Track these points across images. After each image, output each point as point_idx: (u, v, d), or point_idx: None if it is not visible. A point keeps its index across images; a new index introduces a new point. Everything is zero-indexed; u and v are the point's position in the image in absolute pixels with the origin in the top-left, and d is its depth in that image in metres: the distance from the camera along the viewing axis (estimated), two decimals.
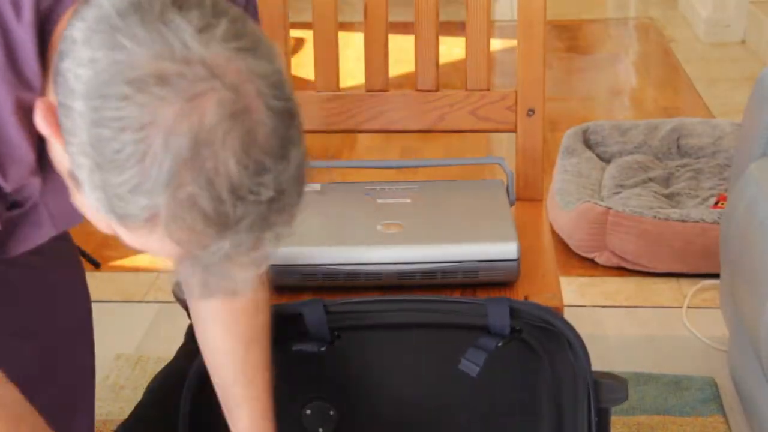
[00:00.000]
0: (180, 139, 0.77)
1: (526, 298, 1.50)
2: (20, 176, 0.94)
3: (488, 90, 1.85)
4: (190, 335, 1.72)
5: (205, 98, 0.77)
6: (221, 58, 0.78)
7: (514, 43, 1.89)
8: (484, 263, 1.52)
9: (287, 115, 0.81)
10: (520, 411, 1.43)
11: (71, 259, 1.40)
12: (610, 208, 2.60)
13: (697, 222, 2.54)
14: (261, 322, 1.28)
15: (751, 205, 1.79)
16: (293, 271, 1.52)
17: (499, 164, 1.78)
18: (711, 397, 2.08)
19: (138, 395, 1.73)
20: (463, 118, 1.86)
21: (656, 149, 3.04)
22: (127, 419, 1.57)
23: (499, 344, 1.34)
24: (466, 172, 2.80)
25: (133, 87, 0.77)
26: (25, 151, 0.92)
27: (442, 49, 1.85)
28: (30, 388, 1.17)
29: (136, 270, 2.59)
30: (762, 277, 1.66)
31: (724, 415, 2.04)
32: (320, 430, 1.47)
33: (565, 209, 2.71)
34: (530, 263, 1.59)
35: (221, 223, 0.80)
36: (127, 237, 0.84)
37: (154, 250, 0.84)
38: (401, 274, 1.53)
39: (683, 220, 2.55)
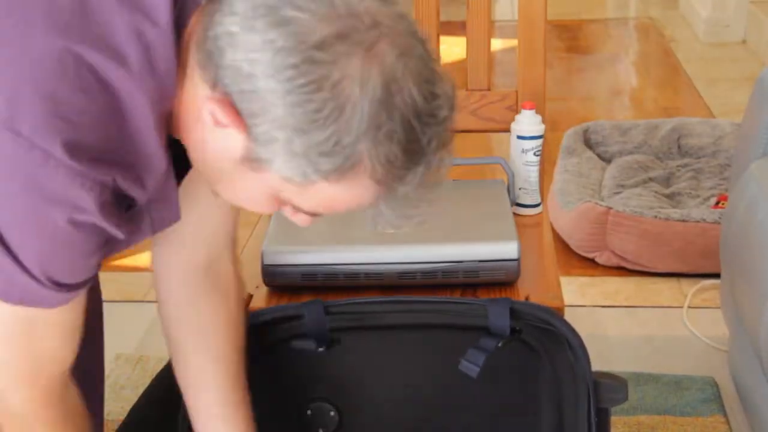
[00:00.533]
0: (372, 83, 0.85)
1: (527, 298, 1.50)
2: (156, 184, 0.97)
3: (489, 90, 1.86)
4: None
5: (379, 43, 0.86)
6: (372, 7, 0.87)
7: (514, 42, 1.89)
8: (484, 263, 1.52)
9: (427, 42, 0.91)
10: (520, 411, 1.43)
11: None
12: (610, 208, 2.60)
13: (698, 222, 2.54)
14: (244, 338, 1.32)
15: (752, 204, 1.79)
16: (293, 272, 1.52)
17: (500, 164, 1.78)
18: (711, 397, 2.08)
19: (138, 395, 1.73)
20: (464, 118, 1.86)
21: (656, 149, 3.04)
22: (124, 422, 1.57)
23: (499, 345, 1.34)
24: (466, 172, 2.80)
25: (319, 50, 0.84)
26: (160, 159, 0.95)
27: (442, 48, 1.85)
28: None
29: (136, 270, 2.59)
30: (762, 277, 1.65)
31: (725, 414, 2.03)
32: (321, 430, 1.47)
33: (565, 209, 2.70)
34: (531, 263, 1.59)
35: (415, 151, 0.89)
36: (318, 196, 0.91)
37: (350, 199, 0.92)
38: (402, 274, 1.53)
39: (684, 220, 2.55)
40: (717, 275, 2.15)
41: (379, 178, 0.90)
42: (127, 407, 1.64)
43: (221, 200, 1.19)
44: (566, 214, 2.70)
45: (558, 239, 2.69)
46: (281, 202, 0.96)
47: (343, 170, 0.88)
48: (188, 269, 1.26)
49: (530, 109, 1.75)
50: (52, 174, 0.87)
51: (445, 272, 1.53)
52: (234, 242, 1.30)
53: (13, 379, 1.03)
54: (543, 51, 1.83)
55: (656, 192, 2.80)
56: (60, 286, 0.96)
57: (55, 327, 1.02)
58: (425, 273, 1.53)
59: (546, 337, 1.37)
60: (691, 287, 2.52)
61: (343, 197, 0.92)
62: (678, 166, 2.97)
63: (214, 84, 0.89)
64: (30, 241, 0.92)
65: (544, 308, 1.38)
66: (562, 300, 1.51)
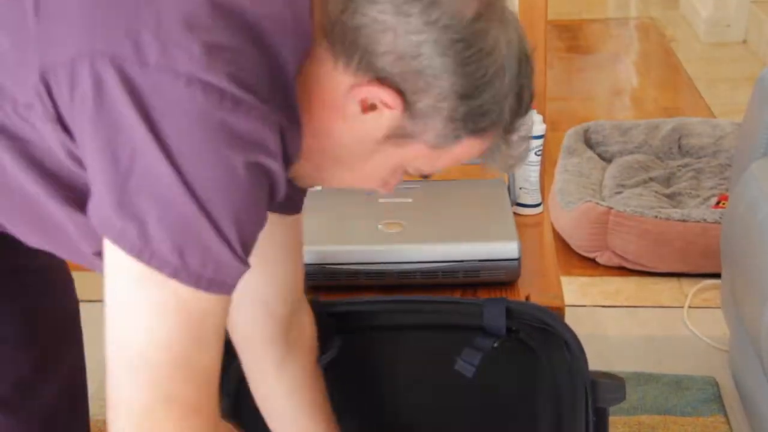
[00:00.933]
0: (515, 45, 0.95)
1: (527, 297, 1.49)
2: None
3: None
4: None
5: (506, 13, 0.96)
6: None
7: None
8: (484, 263, 1.52)
9: None
10: (518, 411, 1.43)
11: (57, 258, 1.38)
12: (611, 208, 2.60)
13: (698, 222, 2.54)
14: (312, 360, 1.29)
15: (752, 204, 1.79)
16: None
17: None
18: (712, 397, 2.08)
19: None
20: None
21: (657, 149, 3.05)
22: None
23: (495, 344, 1.34)
24: (467, 171, 2.80)
25: (476, 23, 0.91)
26: (300, 126, 0.96)
27: None
28: (25, 392, 1.16)
29: None
30: (763, 277, 1.65)
31: (725, 414, 2.03)
32: None
33: (566, 209, 2.70)
34: (531, 263, 1.59)
35: (527, 102, 0.98)
36: (453, 154, 0.97)
37: (477, 151, 0.98)
38: (402, 274, 1.53)
39: (684, 220, 2.55)
40: (717, 275, 2.15)
41: (507, 128, 0.97)
42: None
43: (291, 245, 1.19)
44: (567, 214, 2.70)
45: (558, 239, 2.69)
46: (397, 172, 1.00)
47: (492, 125, 0.95)
48: (272, 325, 1.22)
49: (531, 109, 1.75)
50: (244, 117, 0.85)
51: (446, 272, 1.53)
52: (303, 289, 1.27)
53: (178, 407, 0.87)
54: (543, 51, 1.82)
55: (657, 192, 2.80)
56: (246, 252, 0.89)
57: (218, 329, 0.90)
58: (425, 273, 1.53)
59: (543, 337, 1.37)
60: (691, 287, 2.52)
61: (474, 151, 0.98)
62: (678, 166, 2.97)
63: (361, 70, 0.91)
64: (227, 196, 0.85)
65: (541, 308, 1.38)
66: (562, 300, 1.51)
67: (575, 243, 2.70)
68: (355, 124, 0.93)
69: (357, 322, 1.41)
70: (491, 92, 0.93)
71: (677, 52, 4.56)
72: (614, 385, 1.37)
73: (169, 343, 0.86)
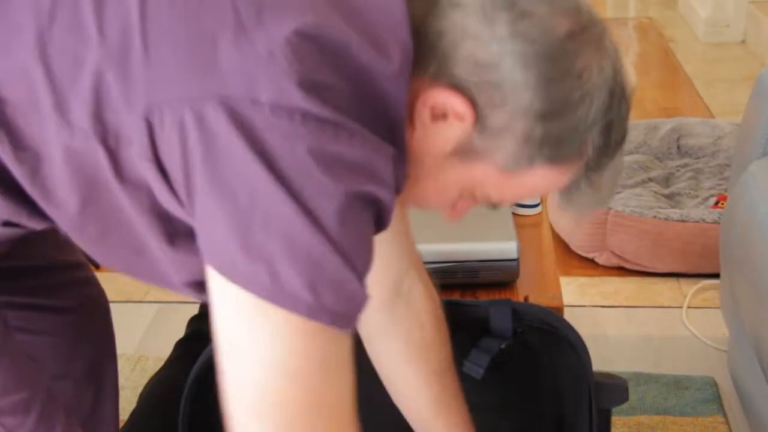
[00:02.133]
0: (607, 74, 0.89)
1: (526, 298, 1.50)
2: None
3: None
4: (180, 346, 1.71)
5: (603, 37, 0.90)
6: (588, 4, 0.90)
7: None
8: (483, 263, 1.52)
9: None
10: (521, 412, 1.43)
11: (94, 278, 1.40)
12: (610, 208, 2.60)
13: (697, 222, 2.54)
14: (446, 354, 1.27)
15: (751, 204, 1.79)
16: None
17: None
18: (711, 397, 2.08)
19: (138, 395, 1.73)
20: None
21: (656, 149, 3.05)
22: (124, 426, 1.57)
23: (502, 346, 1.34)
24: None
25: (567, 42, 0.86)
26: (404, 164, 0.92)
27: None
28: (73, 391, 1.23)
29: None
30: (762, 277, 1.65)
31: (724, 414, 2.04)
32: None
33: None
34: (530, 263, 1.59)
35: (619, 140, 0.93)
36: (525, 183, 0.92)
37: (552, 185, 0.94)
38: None
39: (683, 220, 2.55)
40: (716, 275, 2.15)
41: (589, 164, 0.92)
42: (127, 407, 1.64)
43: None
44: (566, 214, 2.70)
45: (558, 239, 2.69)
46: (464, 195, 0.95)
47: (570, 156, 0.90)
48: (375, 298, 1.21)
49: None
50: (359, 147, 0.82)
51: (445, 272, 1.53)
52: (419, 258, 1.25)
53: None
54: None
55: (656, 192, 2.80)
56: (365, 283, 0.85)
57: (346, 362, 0.88)
58: None
59: (547, 339, 1.37)
60: (690, 287, 2.52)
61: (548, 182, 0.93)
62: (677, 166, 2.97)
63: (436, 76, 0.87)
64: (350, 226, 0.82)
65: (546, 309, 1.38)
66: (561, 300, 1.51)
67: (574, 243, 2.70)
68: (424, 133, 0.89)
69: None
70: (573, 118, 0.87)
71: (676, 53, 4.56)
72: (617, 386, 1.37)
73: (299, 374, 0.84)
